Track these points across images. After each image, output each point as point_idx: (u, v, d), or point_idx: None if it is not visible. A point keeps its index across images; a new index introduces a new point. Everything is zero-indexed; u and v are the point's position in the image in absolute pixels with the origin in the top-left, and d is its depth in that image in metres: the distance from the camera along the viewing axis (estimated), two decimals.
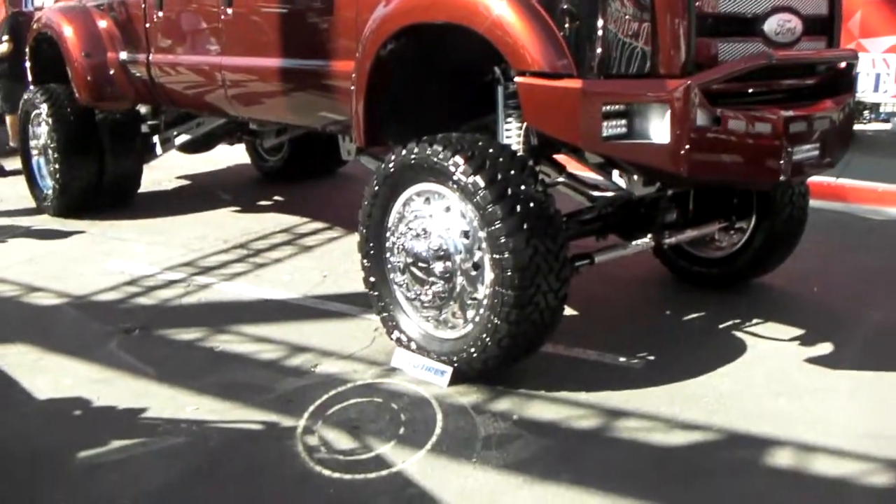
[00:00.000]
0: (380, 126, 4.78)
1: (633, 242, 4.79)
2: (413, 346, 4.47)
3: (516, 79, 4.05)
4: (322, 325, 5.11)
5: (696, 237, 5.25)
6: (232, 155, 9.74)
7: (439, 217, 4.23)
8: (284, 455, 3.73)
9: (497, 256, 3.95)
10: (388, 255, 4.52)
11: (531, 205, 3.97)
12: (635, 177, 4.50)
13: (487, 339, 4.09)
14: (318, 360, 4.63)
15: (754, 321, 5.18)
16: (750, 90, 4.20)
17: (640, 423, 3.98)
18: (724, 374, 4.48)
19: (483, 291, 4.10)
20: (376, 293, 4.61)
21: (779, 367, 4.54)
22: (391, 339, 4.59)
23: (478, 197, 3.98)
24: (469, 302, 4.20)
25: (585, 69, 3.89)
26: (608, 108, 3.85)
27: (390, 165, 4.38)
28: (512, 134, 4.51)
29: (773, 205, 5.30)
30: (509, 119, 4.51)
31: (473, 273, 4.13)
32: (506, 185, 3.96)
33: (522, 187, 3.99)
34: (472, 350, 4.17)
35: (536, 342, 4.22)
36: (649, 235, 4.86)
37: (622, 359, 4.65)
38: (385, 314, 4.58)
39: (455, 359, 4.27)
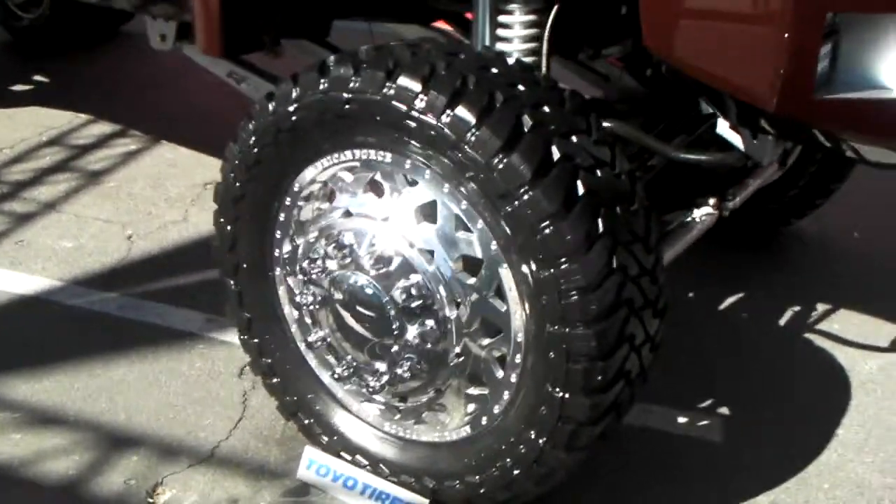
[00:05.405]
0: (251, 14, 2.49)
1: (699, 216, 2.74)
2: (339, 447, 2.37)
3: None
4: (146, 365, 2.89)
5: (759, 186, 3.26)
6: None
7: (408, 226, 2.06)
8: None
9: (560, 330, 1.87)
10: (280, 276, 2.34)
11: (618, 210, 1.90)
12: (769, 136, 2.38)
13: (516, 470, 2.05)
14: (155, 474, 2.45)
15: (819, 308, 3.35)
16: None
17: None
18: (853, 444, 2.65)
19: (508, 377, 2.03)
20: (255, 340, 2.44)
21: None
22: (289, 422, 2.49)
23: (516, 201, 1.84)
24: (473, 393, 2.11)
25: None
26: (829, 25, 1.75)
27: (290, 109, 2.13)
28: (513, 33, 2.36)
29: None
30: (510, 6, 2.35)
31: (485, 342, 2.04)
32: (573, 173, 1.85)
33: (599, 174, 1.89)
34: (478, 479, 2.13)
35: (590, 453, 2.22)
36: (712, 201, 2.82)
37: (682, 419, 2.75)
38: (275, 381, 2.44)
39: (435, 486, 2.22)
